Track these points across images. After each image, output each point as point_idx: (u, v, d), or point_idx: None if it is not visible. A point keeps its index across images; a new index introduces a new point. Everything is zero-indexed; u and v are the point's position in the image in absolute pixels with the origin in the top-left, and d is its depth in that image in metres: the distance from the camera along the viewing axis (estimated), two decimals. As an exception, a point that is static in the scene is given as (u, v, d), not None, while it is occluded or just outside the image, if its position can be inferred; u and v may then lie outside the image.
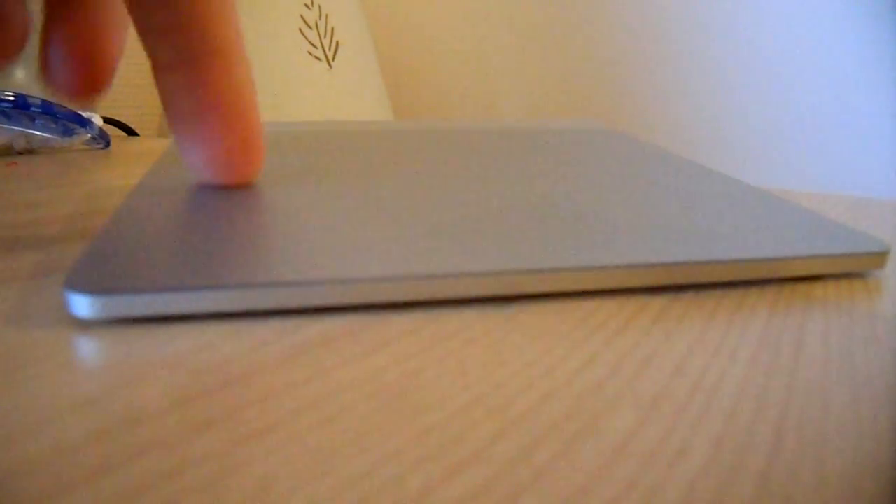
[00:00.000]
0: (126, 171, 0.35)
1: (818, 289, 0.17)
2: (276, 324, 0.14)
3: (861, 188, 0.70)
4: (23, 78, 0.47)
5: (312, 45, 0.80)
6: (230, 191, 0.20)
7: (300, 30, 0.79)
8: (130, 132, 0.56)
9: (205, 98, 0.19)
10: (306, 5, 0.79)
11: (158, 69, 0.19)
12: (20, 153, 0.40)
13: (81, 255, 0.14)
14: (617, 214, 0.19)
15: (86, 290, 0.13)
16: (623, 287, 0.16)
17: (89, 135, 0.42)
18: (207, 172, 0.20)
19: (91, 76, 0.19)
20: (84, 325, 0.13)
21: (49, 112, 0.38)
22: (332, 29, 0.82)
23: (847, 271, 0.17)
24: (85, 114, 0.41)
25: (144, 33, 0.18)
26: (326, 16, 0.81)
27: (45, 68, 0.19)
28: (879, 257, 0.17)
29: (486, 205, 0.19)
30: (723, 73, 0.78)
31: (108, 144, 0.44)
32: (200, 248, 0.15)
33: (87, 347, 0.12)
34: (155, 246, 0.15)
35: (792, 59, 0.73)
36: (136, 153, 0.42)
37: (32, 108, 0.38)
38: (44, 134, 0.39)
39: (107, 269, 0.14)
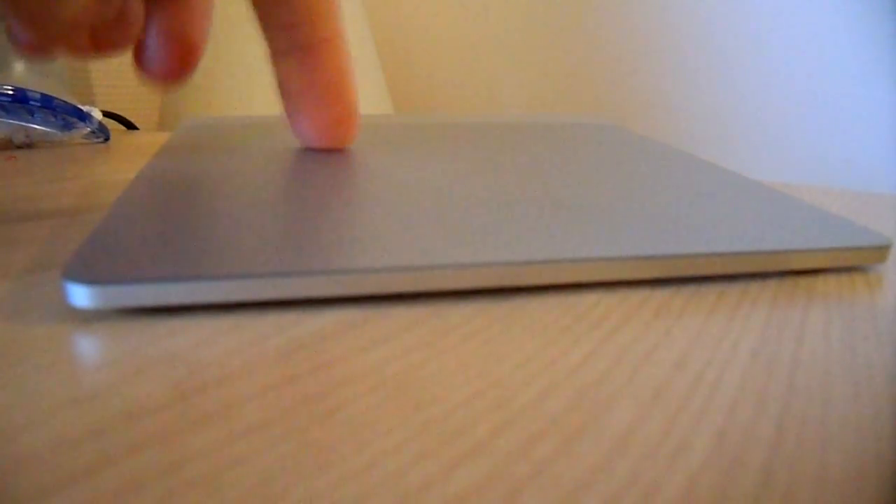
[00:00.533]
0: (125, 165, 0.35)
1: (819, 283, 0.17)
2: (275, 317, 0.14)
3: (862, 183, 0.70)
4: (22, 72, 0.47)
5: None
6: (231, 180, 0.20)
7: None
8: (130, 126, 0.56)
9: (316, 78, 0.23)
10: None
11: (276, 55, 0.23)
12: (19, 147, 0.40)
13: (80, 246, 0.14)
14: (618, 207, 0.18)
15: (84, 280, 0.13)
16: (624, 279, 0.16)
17: (89, 129, 0.42)
18: (316, 138, 0.25)
19: (183, 62, 0.21)
20: (83, 320, 0.13)
21: (48, 106, 0.38)
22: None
23: (848, 265, 0.17)
24: (84, 108, 0.41)
25: (265, 26, 0.22)
26: (326, 9, 0.81)
27: (141, 55, 0.21)
28: (881, 251, 0.17)
29: (486, 197, 0.19)
30: (724, 68, 0.78)
31: (107, 138, 0.44)
32: (200, 238, 0.15)
33: (86, 342, 0.12)
34: (154, 236, 0.15)
35: (793, 54, 0.73)
36: (136, 147, 0.42)
37: (31, 102, 0.37)
38: (43, 128, 0.39)
39: (105, 258, 0.14)
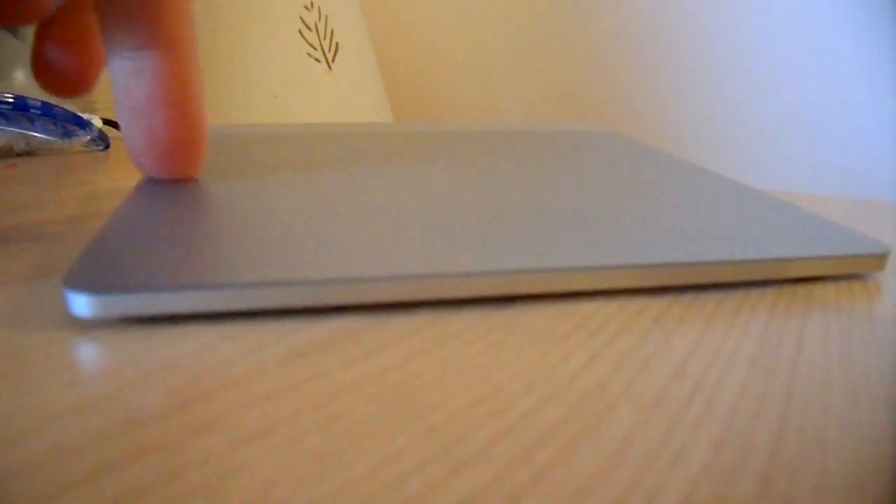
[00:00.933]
0: (126, 172, 0.35)
1: (818, 290, 0.17)
2: (275, 325, 0.14)
3: (861, 190, 0.70)
4: (22, 80, 0.47)
5: (312, 46, 0.80)
6: (231, 191, 0.20)
7: (300, 31, 0.79)
8: (130, 134, 0.56)
9: (153, 91, 0.19)
10: (306, 7, 0.79)
11: (112, 61, 0.19)
12: (20, 155, 0.40)
13: (81, 254, 0.14)
14: (618, 215, 0.19)
15: (85, 289, 0.13)
16: (624, 287, 0.16)
17: (89, 136, 0.42)
18: (151, 164, 0.20)
19: (82, 75, 0.20)
20: (84, 327, 0.13)
21: (49, 114, 0.38)
22: (332, 31, 0.82)
23: (847, 273, 0.17)
24: (84, 115, 0.41)
25: (102, 21, 0.19)
26: (326, 17, 0.81)
27: (39, 67, 0.20)
28: (879, 259, 0.17)
29: (486, 205, 0.19)
30: (724, 76, 0.78)
31: (107, 146, 0.44)
32: (201, 247, 0.15)
33: (87, 349, 0.12)
34: (154, 245, 0.15)
35: (793, 61, 0.73)
36: (136, 155, 0.42)
37: (32, 110, 0.38)
38: (43, 136, 0.39)
39: (106, 267, 0.14)
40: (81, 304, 0.13)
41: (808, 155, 0.73)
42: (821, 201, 0.29)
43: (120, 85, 0.19)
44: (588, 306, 0.15)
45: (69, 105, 0.43)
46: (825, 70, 0.71)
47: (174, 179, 0.21)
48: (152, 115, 0.19)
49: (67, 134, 0.40)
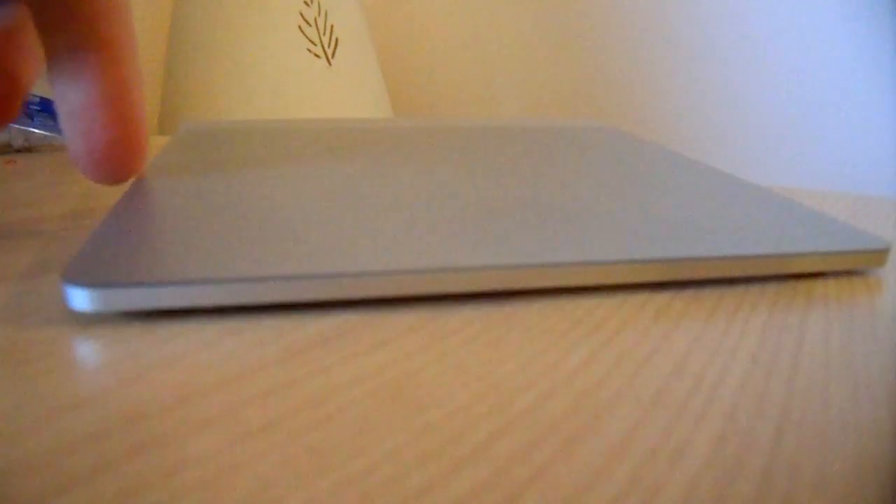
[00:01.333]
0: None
1: (818, 286, 0.17)
2: (274, 322, 0.14)
3: (861, 186, 0.70)
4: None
5: (312, 42, 0.80)
6: (231, 184, 0.20)
7: (299, 27, 0.79)
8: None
9: (89, 91, 0.19)
10: (305, 2, 0.79)
11: (50, 60, 0.19)
12: (18, 151, 0.40)
13: (80, 249, 0.14)
14: (617, 211, 0.18)
15: (84, 284, 0.13)
16: (624, 283, 0.16)
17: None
18: (86, 166, 0.20)
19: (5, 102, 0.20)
20: (83, 323, 0.13)
21: (48, 110, 0.38)
22: (332, 26, 0.82)
23: (848, 269, 0.17)
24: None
25: (39, 25, 0.19)
26: (326, 13, 0.81)
27: None
28: (880, 255, 0.17)
29: (485, 200, 0.19)
30: (724, 73, 0.78)
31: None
32: (200, 241, 0.15)
33: (86, 345, 0.12)
34: (154, 239, 0.15)
35: (792, 57, 0.73)
36: (135, 151, 0.42)
37: (31, 107, 0.38)
38: (42, 132, 0.39)
39: (106, 262, 0.14)
40: (80, 299, 0.13)
41: (808, 151, 0.73)
42: (821, 197, 0.29)
43: (57, 89, 0.19)
44: (587, 303, 0.15)
45: None
46: (824, 66, 0.71)
47: (111, 184, 0.21)
48: (89, 118, 0.19)
49: (66, 130, 0.40)
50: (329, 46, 0.81)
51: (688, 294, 0.16)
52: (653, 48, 0.82)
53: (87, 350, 0.12)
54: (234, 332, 0.13)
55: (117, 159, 0.20)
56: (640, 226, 0.17)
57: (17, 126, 0.38)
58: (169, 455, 0.09)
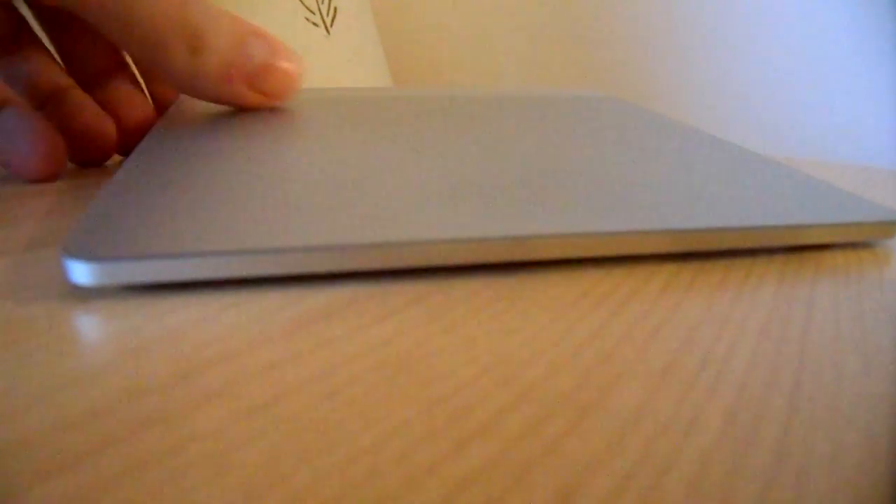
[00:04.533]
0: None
1: (826, 258, 0.16)
2: (278, 294, 0.13)
3: (863, 157, 0.69)
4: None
5: (310, 10, 0.79)
6: (231, 154, 0.19)
7: (297, -5, 0.77)
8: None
9: None
10: (303, -30, 0.78)
11: None
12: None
13: (79, 221, 0.14)
14: (624, 181, 0.18)
15: (84, 257, 0.12)
16: (631, 253, 0.15)
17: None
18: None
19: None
20: (82, 298, 0.13)
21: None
22: (330, -6, 0.80)
23: (859, 240, 0.17)
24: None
25: None
26: (323, -19, 0.80)
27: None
28: (889, 226, 0.17)
29: (490, 171, 0.19)
30: (728, 43, 0.77)
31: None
32: (202, 212, 0.15)
33: (87, 320, 0.12)
34: (155, 211, 0.15)
35: (789, 25, 0.72)
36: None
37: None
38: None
39: (106, 234, 0.13)
40: (81, 272, 0.12)
41: (806, 120, 0.73)
42: (825, 168, 0.28)
43: None
44: (594, 274, 0.15)
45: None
46: (822, 34, 0.70)
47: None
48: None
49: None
50: (328, 15, 0.80)
51: (694, 266, 0.16)
52: (656, 21, 0.81)
53: (88, 325, 0.12)
54: (236, 305, 0.13)
55: None
56: (646, 196, 0.17)
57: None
58: (172, 431, 0.09)
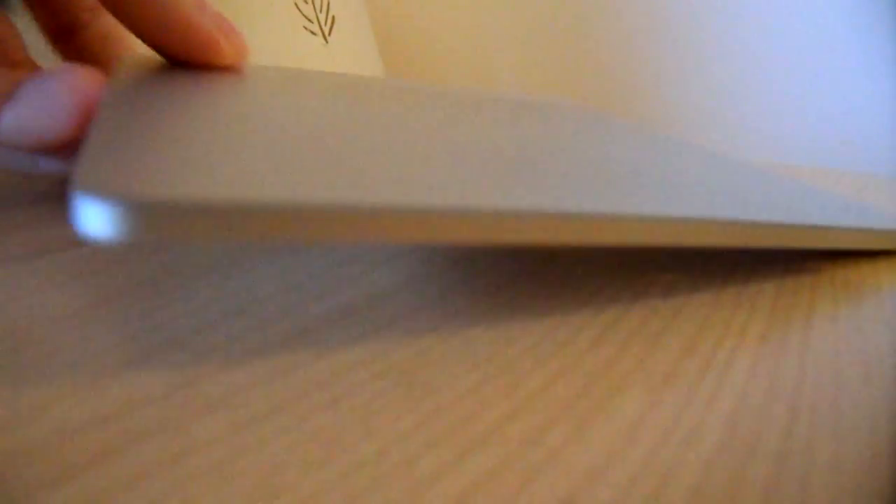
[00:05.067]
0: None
1: (825, 266, 0.17)
2: (279, 303, 0.13)
3: (856, 164, 0.70)
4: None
5: (308, 19, 0.79)
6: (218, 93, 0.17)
7: (295, 4, 0.78)
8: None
9: None
10: (301, -21, 0.78)
11: None
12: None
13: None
14: (612, 173, 0.18)
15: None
16: (636, 242, 0.15)
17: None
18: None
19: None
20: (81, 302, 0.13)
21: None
22: (328, 3, 0.81)
23: (875, 248, 0.17)
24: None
25: None
26: (322, -10, 0.80)
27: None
28: (892, 235, 0.17)
29: (473, 157, 0.18)
30: (724, 49, 0.77)
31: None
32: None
33: (85, 325, 0.12)
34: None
35: (786, 31, 0.72)
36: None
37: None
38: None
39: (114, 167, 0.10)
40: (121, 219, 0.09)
41: (802, 127, 0.73)
42: (822, 175, 0.28)
43: None
44: (594, 282, 0.15)
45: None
46: (819, 39, 0.70)
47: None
48: None
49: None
50: (326, 24, 0.80)
51: (694, 274, 0.16)
52: (651, 29, 0.81)
53: (90, 331, 0.12)
54: (238, 314, 0.13)
55: None
56: (644, 185, 0.17)
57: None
58: (174, 440, 0.09)
